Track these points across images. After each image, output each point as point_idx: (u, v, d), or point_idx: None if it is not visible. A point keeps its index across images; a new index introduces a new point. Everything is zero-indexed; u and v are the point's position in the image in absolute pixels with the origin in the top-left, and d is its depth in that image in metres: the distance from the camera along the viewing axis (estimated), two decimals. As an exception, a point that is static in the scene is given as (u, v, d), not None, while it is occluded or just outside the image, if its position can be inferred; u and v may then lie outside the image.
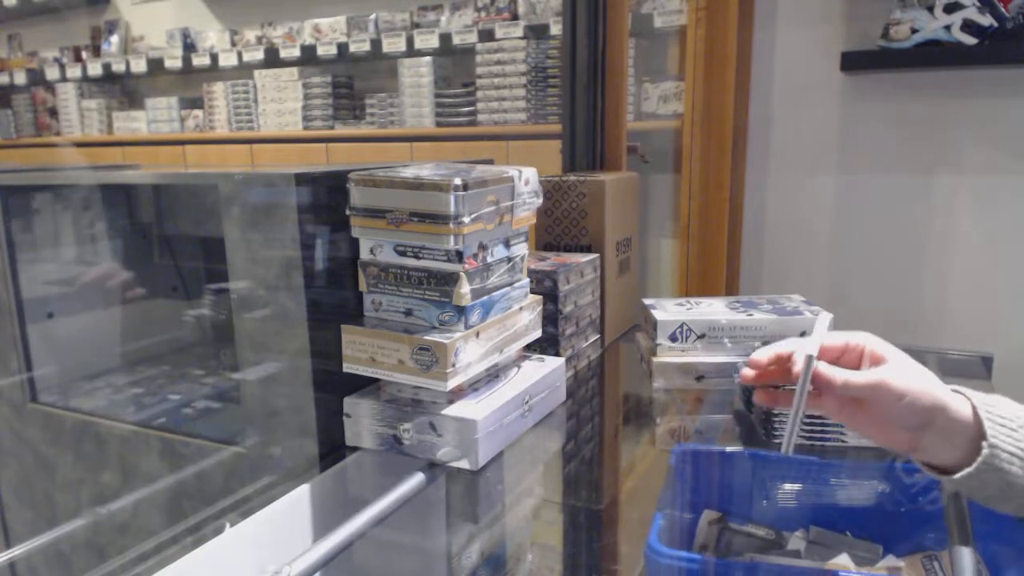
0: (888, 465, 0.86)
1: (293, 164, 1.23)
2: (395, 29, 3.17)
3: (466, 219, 0.82)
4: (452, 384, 0.83)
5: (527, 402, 0.95)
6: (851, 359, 0.67)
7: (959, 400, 0.64)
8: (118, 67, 3.96)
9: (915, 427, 0.64)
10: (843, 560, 0.66)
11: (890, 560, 0.66)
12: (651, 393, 1.12)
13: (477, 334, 0.87)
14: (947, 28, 1.78)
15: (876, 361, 0.65)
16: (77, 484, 1.19)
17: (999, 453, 0.61)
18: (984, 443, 0.61)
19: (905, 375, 0.63)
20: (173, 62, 3.76)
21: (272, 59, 3.47)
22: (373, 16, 3.23)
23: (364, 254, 0.89)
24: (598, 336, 1.28)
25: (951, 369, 1.20)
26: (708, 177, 2.02)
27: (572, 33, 1.62)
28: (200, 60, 3.68)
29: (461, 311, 0.84)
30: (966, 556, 0.61)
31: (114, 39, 4.08)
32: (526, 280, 1.00)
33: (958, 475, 0.63)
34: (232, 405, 1.19)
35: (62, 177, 1.36)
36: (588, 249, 1.29)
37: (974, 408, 0.63)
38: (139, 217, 1.44)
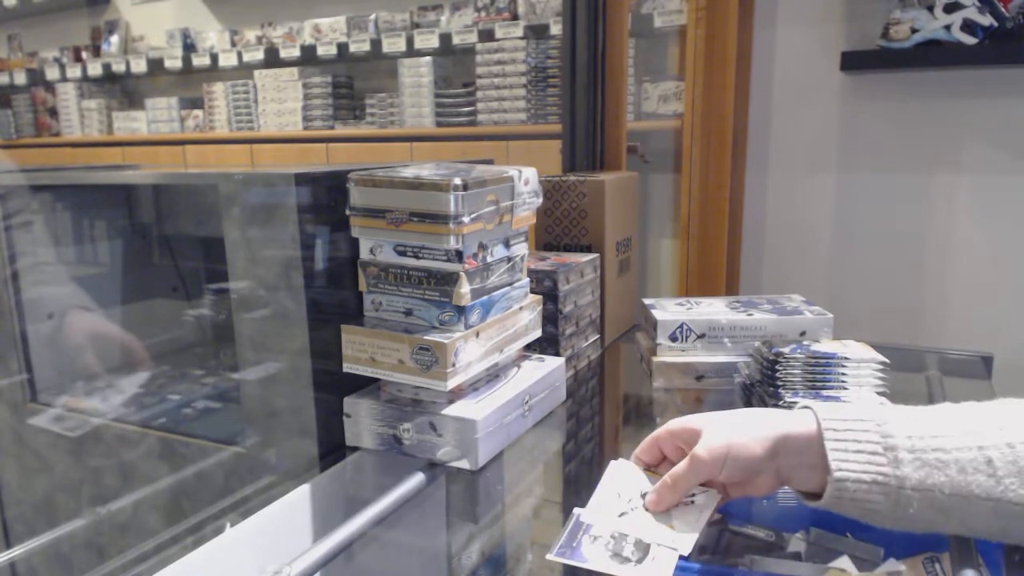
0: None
1: (293, 164, 1.23)
2: (395, 29, 3.17)
3: (466, 219, 0.82)
4: (452, 384, 0.83)
5: (527, 402, 0.95)
6: (673, 447, 0.67)
7: (802, 421, 0.59)
8: (118, 67, 3.96)
9: (763, 469, 0.60)
10: (844, 563, 0.66)
11: (891, 564, 0.65)
12: (651, 393, 1.12)
13: (477, 334, 0.87)
14: (947, 28, 1.78)
15: (694, 437, 0.63)
16: (77, 484, 1.19)
17: (847, 485, 0.54)
18: (829, 477, 0.55)
19: (718, 432, 0.61)
20: (173, 62, 3.76)
21: (272, 59, 3.47)
22: (373, 16, 3.23)
23: (364, 254, 0.89)
24: (598, 336, 1.28)
25: (951, 369, 1.19)
26: (708, 177, 2.02)
27: (572, 33, 1.62)
28: (200, 60, 3.68)
29: (461, 311, 0.84)
30: (967, 558, 0.61)
31: (114, 39, 4.08)
32: (526, 280, 1.00)
33: (816, 504, 0.58)
34: (232, 405, 1.19)
35: (62, 177, 1.36)
36: (588, 249, 1.29)
37: (820, 432, 0.57)
38: (139, 217, 1.44)
